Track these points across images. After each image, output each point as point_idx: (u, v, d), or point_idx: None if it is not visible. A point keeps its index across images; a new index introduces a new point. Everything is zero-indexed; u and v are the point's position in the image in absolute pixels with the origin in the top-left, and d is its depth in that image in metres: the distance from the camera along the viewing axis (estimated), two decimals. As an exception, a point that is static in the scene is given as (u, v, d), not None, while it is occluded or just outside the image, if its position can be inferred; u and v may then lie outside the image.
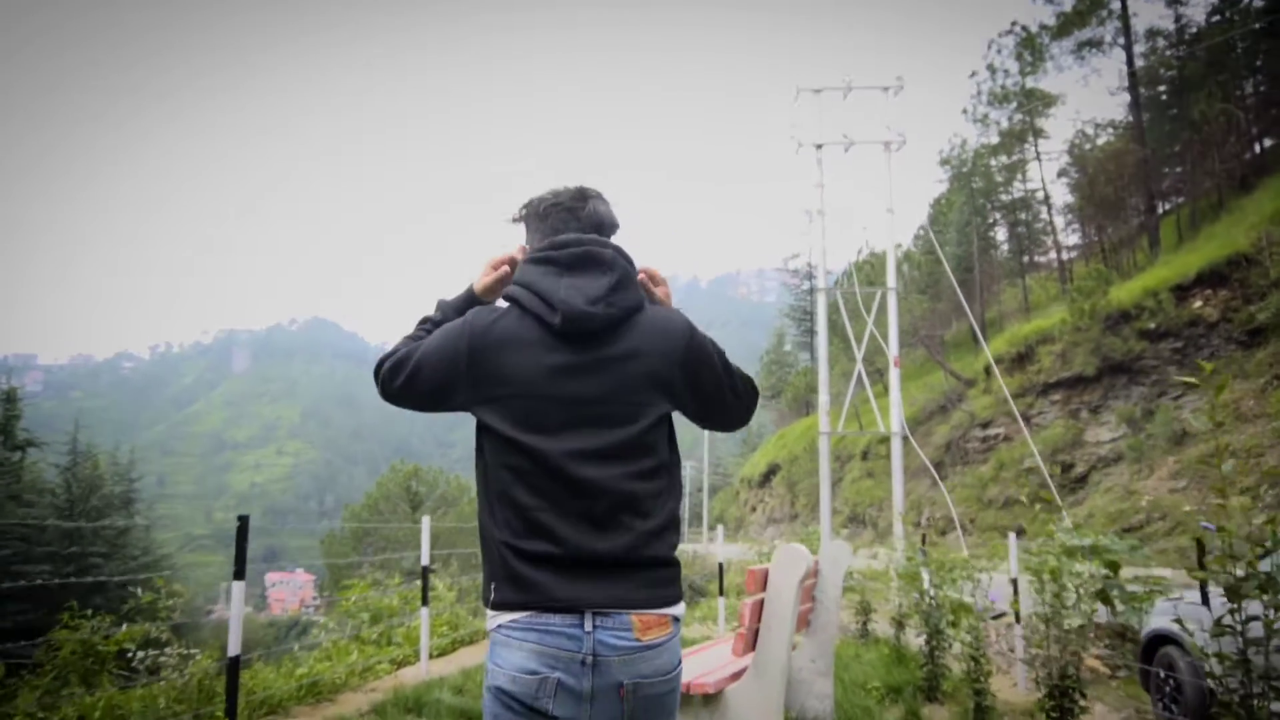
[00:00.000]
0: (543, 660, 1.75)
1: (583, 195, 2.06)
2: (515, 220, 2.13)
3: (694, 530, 60.11)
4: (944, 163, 49.78)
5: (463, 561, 20.89)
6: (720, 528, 12.21)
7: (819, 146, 16.26)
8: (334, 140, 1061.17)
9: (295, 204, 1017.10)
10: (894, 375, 15.68)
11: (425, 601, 6.84)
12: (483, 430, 1.91)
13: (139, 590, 5.75)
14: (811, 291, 67.09)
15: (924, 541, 9.17)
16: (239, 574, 4.59)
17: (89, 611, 5.54)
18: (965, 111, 46.33)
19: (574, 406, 1.85)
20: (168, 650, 5.65)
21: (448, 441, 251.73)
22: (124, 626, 5.36)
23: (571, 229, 2.01)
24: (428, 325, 2.11)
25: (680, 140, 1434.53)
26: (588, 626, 1.76)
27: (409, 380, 1.93)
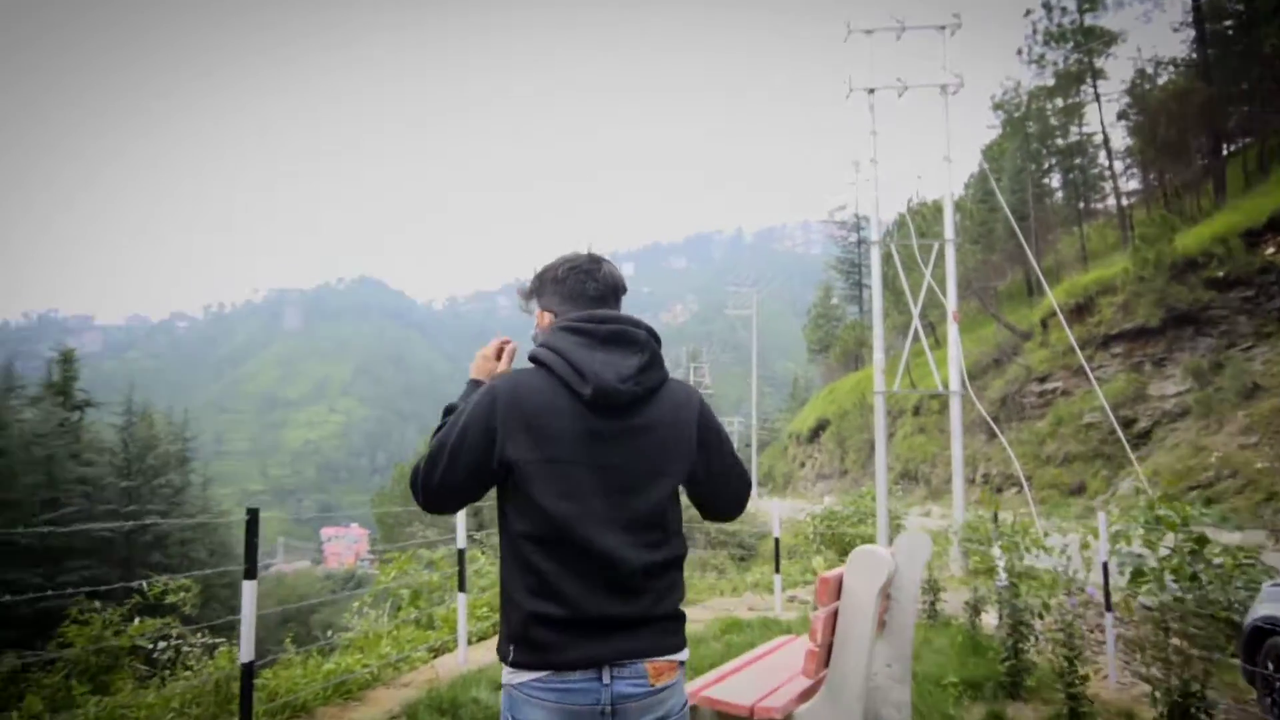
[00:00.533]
0: (564, 717, 1.84)
1: (596, 259, 2.18)
2: (527, 294, 2.25)
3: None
4: (997, 107, 47.86)
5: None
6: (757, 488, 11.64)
7: (871, 91, 15.48)
8: (379, 109, 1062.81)
9: (341, 166, 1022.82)
10: (953, 330, 14.97)
11: (463, 587, 6.39)
12: (507, 495, 1.97)
13: (145, 585, 5.35)
14: (859, 244, 65.71)
15: (995, 519, 8.49)
16: (249, 573, 4.16)
17: (96, 604, 5.20)
18: (1020, 52, 44.40)
19: (599, 474, 1.92)
20: (190, 641, 5.31)
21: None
22: (136, 620, 4.98)
23: (590, 290, 2.13)
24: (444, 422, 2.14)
25: (722, 91, 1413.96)
26: (605, 679, 1.86)
27: (449, 469, 1.95)
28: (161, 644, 5.10)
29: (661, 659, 1.93)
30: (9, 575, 31.83)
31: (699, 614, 9.42)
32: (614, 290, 2.16)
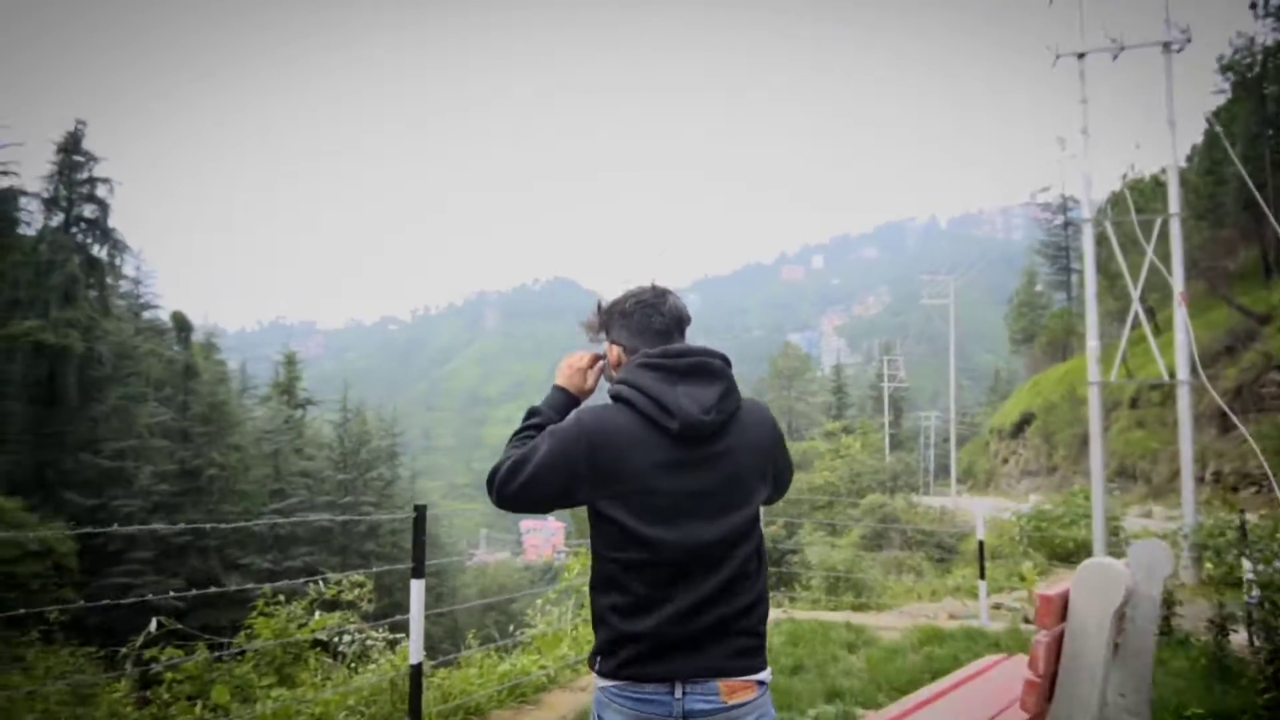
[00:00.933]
0: None
1: (661, 293, 2.29)
2: (595, 326, 2.37)
3: (941, 483, 57.31)
4: (1225, 69, 43.42)
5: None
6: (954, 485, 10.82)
7: (1081, 56, 14.19)
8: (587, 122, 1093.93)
9: (541, 171, 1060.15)
10: (1180, 314, 13.50)
11: None
12: (598, 520, 2.07)
13: (320, 582, 5.41)
14: (1066, 226, 61.54)
15: (1242, 525, 7.41)
16: (417, 571, 4.05)
17: (280, 599, 5.29)
18: (1254, 6, 40.11)
19: (685, 499, 2.02)
20: (373, 636, 5.33)
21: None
22: (316, 614, 5.02)
23: (656, 324, 2.23)
24: (531, 430, 2.26)
25: (918, 72, 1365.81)
26: (678, 694, 1.97)
27: (526, 485, 2.06)
28: (345, 638, 5.14)
29: (736, 679, 2.00)
30: (245, 559, 34.83)
31: (894, 620, 8.83)
32: (679, 323, 2.27)
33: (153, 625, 4.97)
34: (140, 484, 32.20)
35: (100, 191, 37.66)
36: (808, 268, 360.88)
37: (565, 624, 7.11)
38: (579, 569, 8.51)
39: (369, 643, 5.27)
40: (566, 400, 2.40)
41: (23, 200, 36.98)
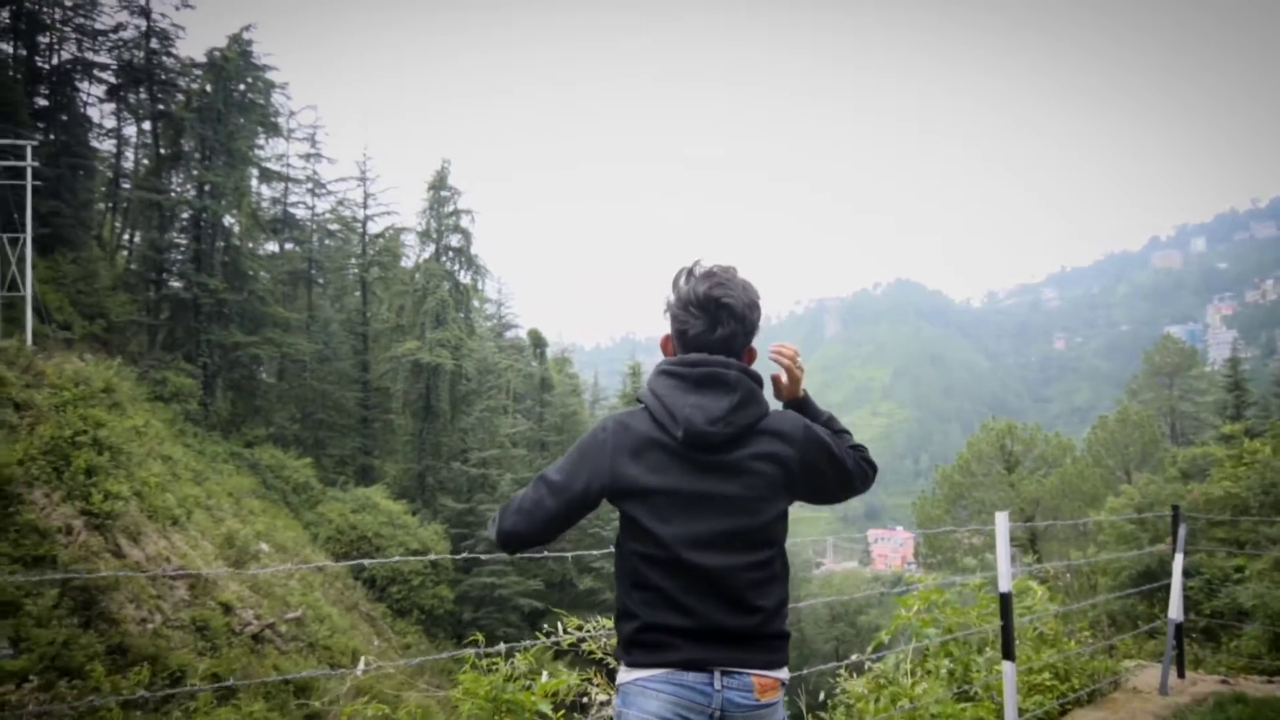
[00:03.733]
0: (676, 710, 2.04)
1: (704, 295, 2.26)
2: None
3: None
4: None
5: (1075, 536, 17.52)
6: None
7: None
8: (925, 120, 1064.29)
9: (867, 175, 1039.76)
10: None
11: (1009, 653, 4.38)
12: (623, 519, 2.19)
13: (560, 625, 4.03)
14: None
15: None
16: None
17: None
18: None
19: (700, 502, 2.10)
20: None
21: (1043, 396, 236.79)
22: (544, 676, 3.74)
23: (691, 328, 2.26)
24: None
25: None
26: (717, 685, 2.04)
27: (561, 486, 2.17)
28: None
29: (767, 674, 2.10)
30: (596, 564, 36.17)
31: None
32: (713, 324, 2.26)
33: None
34: (502, 490, 34.49)
35: (464, 222, 41.10)
36: (1186, 252, 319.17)
37: (904, 674, 5.62)
38: (916, 606, 6.86)
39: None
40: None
41: (402, 235, 41.44)
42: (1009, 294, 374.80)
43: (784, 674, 2.14)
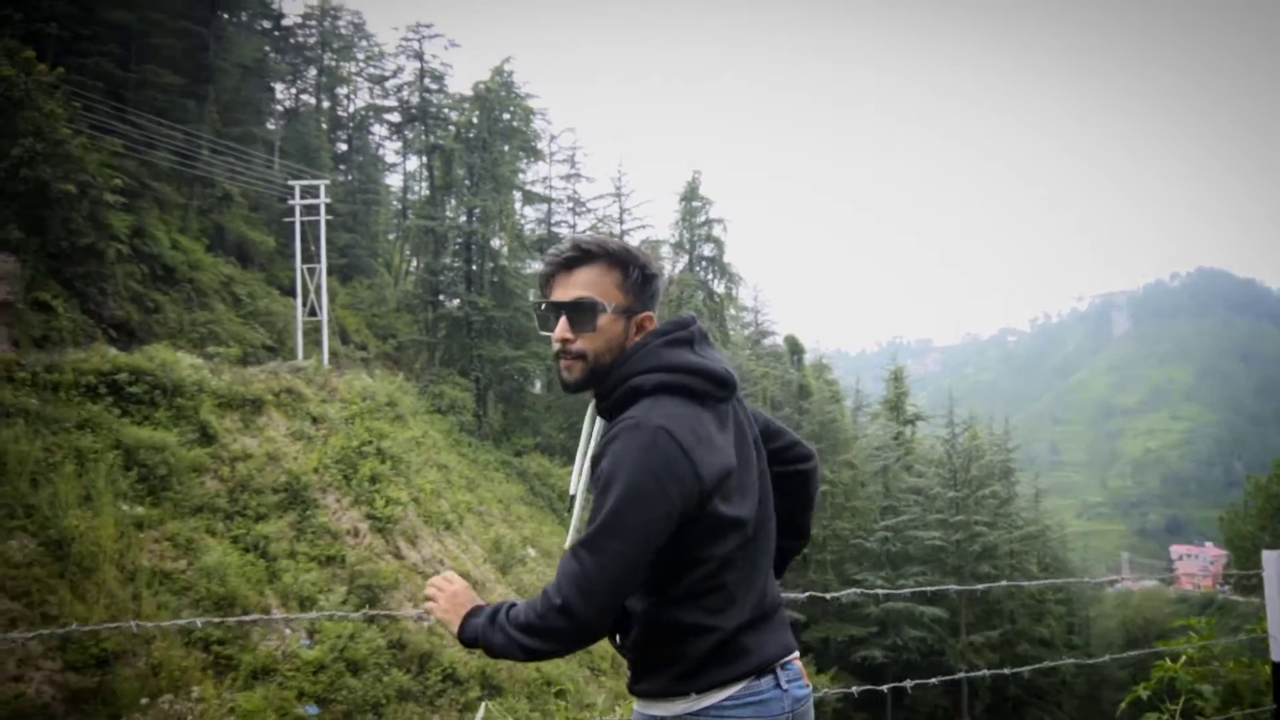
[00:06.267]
0: None
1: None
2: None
3: None
4: None
5: None
6: None
7: None
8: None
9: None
10: None
11: None
12: (688, 526, 1.82)
13: None
14: None
15: None
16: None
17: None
18: None
19: (750, 474, 1.96)
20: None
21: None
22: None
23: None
24: None
25: None
26: (782, 683, 1.87)
27: (638, 532, 1.77)
28: None
29: (798, 657, 1.98)
30: (859, 574, 35.18)
31: None
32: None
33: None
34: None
35: (716, 231, 41.43)
36: None
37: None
38: (1188, 650, 5.61)
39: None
40: None
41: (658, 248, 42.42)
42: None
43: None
